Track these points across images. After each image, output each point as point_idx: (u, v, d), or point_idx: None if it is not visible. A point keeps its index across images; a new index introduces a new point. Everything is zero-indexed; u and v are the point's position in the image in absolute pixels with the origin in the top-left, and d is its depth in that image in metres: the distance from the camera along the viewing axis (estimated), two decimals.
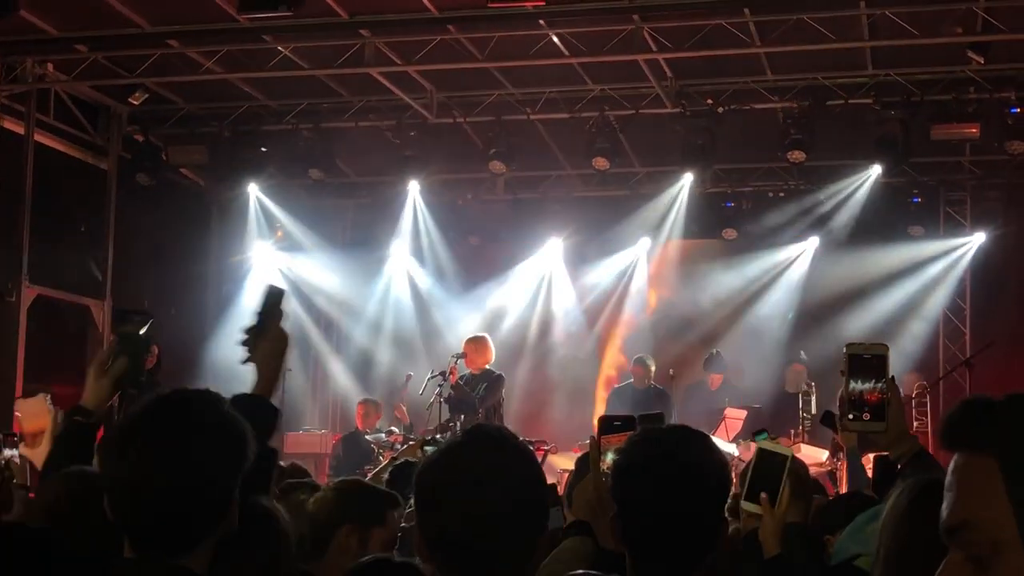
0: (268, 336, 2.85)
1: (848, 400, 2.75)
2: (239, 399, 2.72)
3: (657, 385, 12.49)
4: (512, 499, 2.12)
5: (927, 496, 2.39)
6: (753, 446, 9.81)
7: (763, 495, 3.04)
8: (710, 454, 2.46)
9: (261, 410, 2.72)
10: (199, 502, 2.22)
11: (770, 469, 3.08)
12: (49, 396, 6.96)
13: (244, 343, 2.83)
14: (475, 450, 2.16)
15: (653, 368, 12.50)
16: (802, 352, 12.29)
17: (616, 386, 12.72)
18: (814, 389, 11.40)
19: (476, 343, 11.47)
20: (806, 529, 4.18)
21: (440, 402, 11.09)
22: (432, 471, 2.18)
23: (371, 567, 2.95)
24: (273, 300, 2.89)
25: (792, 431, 10.91)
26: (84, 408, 3.31)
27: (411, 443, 9.06)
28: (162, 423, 2.25)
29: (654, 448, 2.45)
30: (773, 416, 11.41)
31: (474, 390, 11.15)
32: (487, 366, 11.42)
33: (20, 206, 12.01)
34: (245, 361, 2.83)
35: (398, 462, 6.80)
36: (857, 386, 2.74)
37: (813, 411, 11.22)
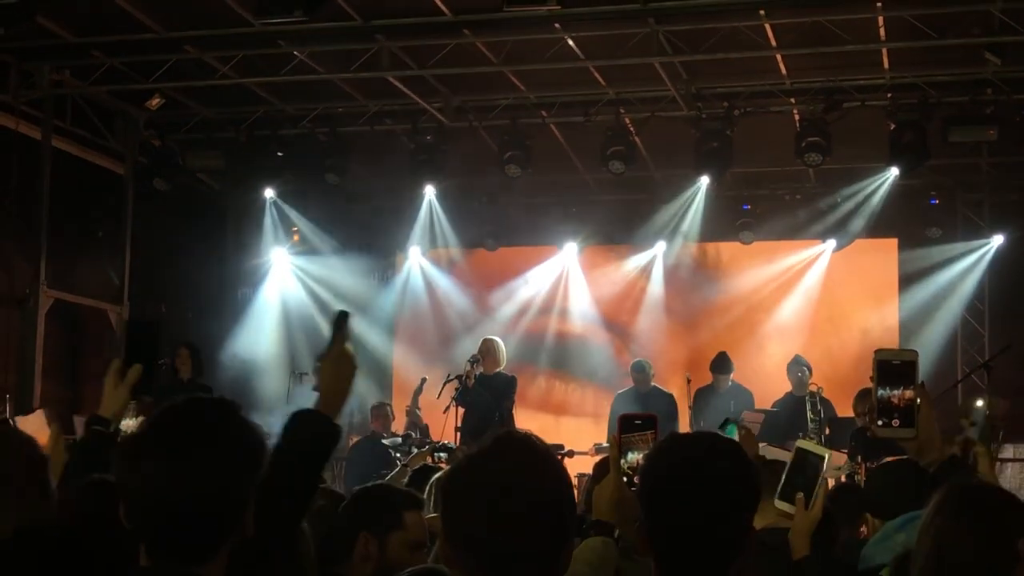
0: (331, 356, 2.82)
1: (878, 406, 2.73)
2: (297, 415, 2.73)
3: (661, 388, 12.50)
4: (540, 506, 2.11)
5: (964, 503, 2.38)
6: (768, 448, 9.79)
7: (799, 495, 3.02)
8: (739, 461, 2.44)
9: (318, 425, 2.71)
10: (214, 510, 2.21)
11: (807, 469, 3.06)
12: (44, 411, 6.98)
13: (315, 370, 2.84)
14: (503, 457, 2.15)
15: (651, 371, 12.49)
16: (799, 355, 12.24)
17: (620, 391, 12.70)
18: (821, 392, 11.36)
19: (488, 346, 11.54)
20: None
21: (456, 406, 11.11)
22: (460, 477, 2.17)
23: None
24: (337, 323, 2.89)
25: (801, 434, 10.86)
26: (102, 417, 3.32)
27: (422, 450, 9.07)
28: (177, 431, 2.25)
29: (682, 455, 2.44)
30: (788, 419, 11.37)
31: (487, 392, 11.18)
32: (499, 368, 11.49)
33: (38, 212, 12.05)
34: (315, 387, 2.84)
35: (412, 468, 6.81)
36: (886, 392, 2.73)
37: (821, 414, 11.18)
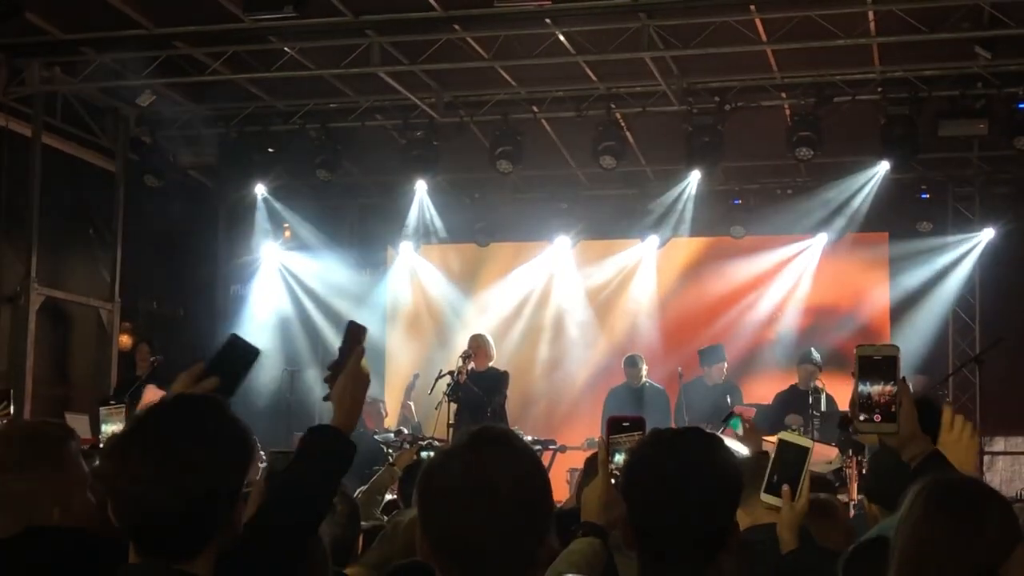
0: (346, 372, 2.81)
1: (859, 402, 2.74)
2: (314, 430, 2.71)
3: (654, 383, 12.49)
4: (516, 501, 2.11)
5: (943, 496, 2.38)
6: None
7: (785, 487, 3.02)
8: (721, 455, 2.45)
9: (334, 442, 2.69)
10: (203, 507, 2.22)
11: (790, 461, 3.06)
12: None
13: (327, 379, 2.82)
14: (479, 452, 2.15)
15: (644, 366, 12.47)
16: (812, 349, 12.24)
17: (613, 387, 12.70)
18: (824, 387, 11.37)
19: (478, 342, 11.55)
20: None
21: (448, 401, 11.11)
22: (436, 473, 2.17)
23: (407, 570, 2.96)
24: (352, 336, 2.86)
25: (802, 429, 10.87)
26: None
27: (407, 448, 9.05)
28: (163, 429, 2.25)
29: (664, 449, 2.45)
30: (784, 413, 11.38)
31: (479, 388, 11.18)
32: (490, 364, 11.49)
33: (28, 209, 12.02)
34: (325, 398, 2.81)
35: (398, 466, 6.81)
36: (867, 388, 2.74)
37: (823, 409, 11.18)
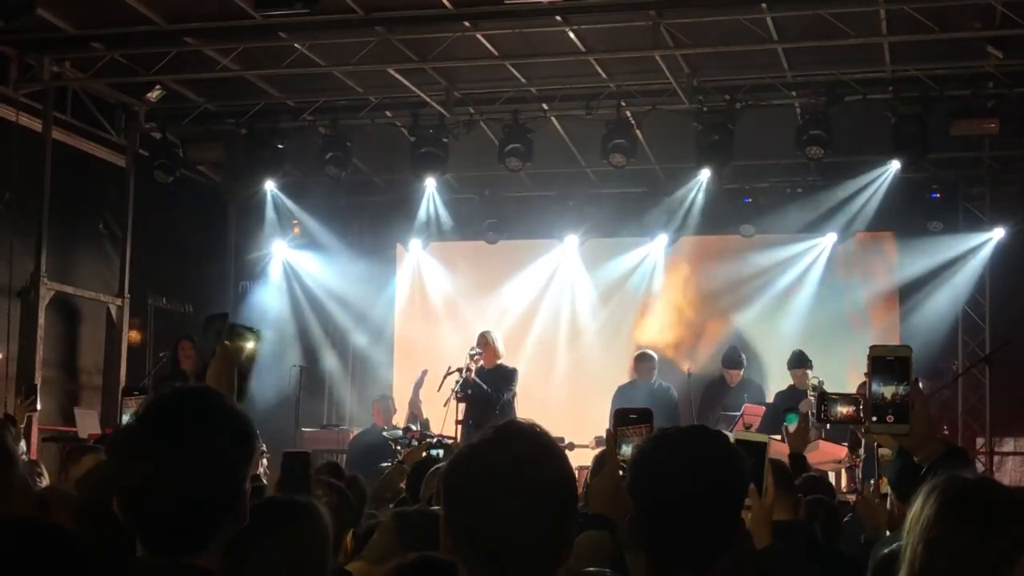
0: (213, 364, 3.08)
1: (871, 402, 2.73)
2: None
3: (662, 382, 12.49)
4: (543, 497, 2.10)
5: (955, 497, 2.37)
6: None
7: (751, 486, 3.01)
8: (727, 453, 2.44)
9: None
10: (209, 499, 2.22)
11: (750, 459, 3.05)
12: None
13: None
14: (506, 447, 2.14)
15: (654, 363, 12.48)
16: (802, 351, 12.18)
17: (621, 383, 12.69)
18: (823, 386, 11.34)
19: (486, 339, 11.55)
20: (799, 525, 4.16)
21: (457, 398, 11.10)
22: (461, 468, 2.16)
23: (418, 565, 2.96)
24: (217, 331, 3.11)
25: (813, 412, 10.85)
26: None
27: (418, 445, 9.05)
28: (167, 422, 2.24)
29: (671, 446, 2.44)
30: (783, 411, 11.35)
31: (488, 385, 11.17)
32: (499, 360, 11.49)
33: (38, 204, 12.04)
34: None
35: (407, 464, 6.81)
36: (880, 388, 2.73)
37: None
